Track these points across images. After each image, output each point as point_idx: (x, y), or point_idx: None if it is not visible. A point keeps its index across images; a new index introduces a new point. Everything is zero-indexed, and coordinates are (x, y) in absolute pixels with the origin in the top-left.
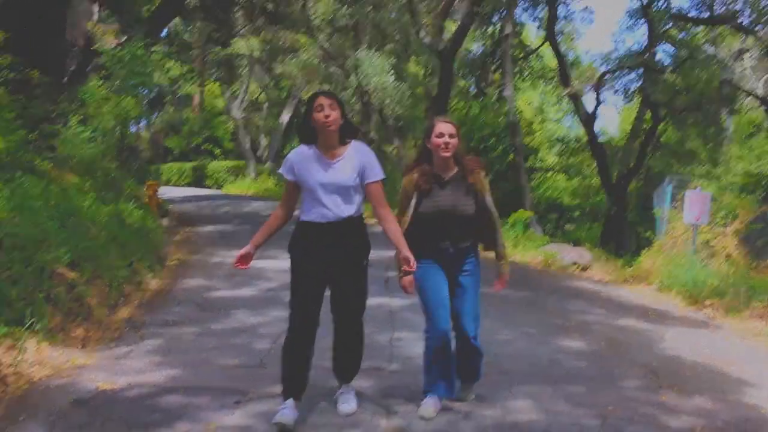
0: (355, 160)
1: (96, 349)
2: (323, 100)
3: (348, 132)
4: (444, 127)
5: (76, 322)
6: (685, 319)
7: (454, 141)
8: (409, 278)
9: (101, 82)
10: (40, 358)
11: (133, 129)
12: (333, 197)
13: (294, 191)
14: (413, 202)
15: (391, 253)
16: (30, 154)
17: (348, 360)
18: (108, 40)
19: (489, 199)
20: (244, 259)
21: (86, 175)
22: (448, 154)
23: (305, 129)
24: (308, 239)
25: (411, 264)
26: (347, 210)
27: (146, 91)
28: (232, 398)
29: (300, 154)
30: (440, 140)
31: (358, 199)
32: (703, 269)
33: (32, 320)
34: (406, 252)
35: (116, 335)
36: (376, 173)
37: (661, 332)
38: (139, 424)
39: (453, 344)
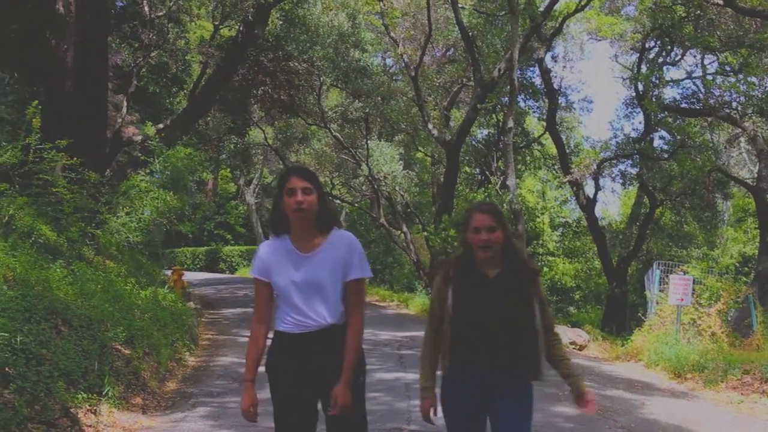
0: (336, 253)
1: (155, 415)
2: (296, 182)
3: (325, 219)
4: (480, 220)
5: (134, 392)
6: (666, 390)
7: (495, 235)
8: (429, 402)
9: (145, 177)
10: (112, 421)
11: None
12: (310, 300)
13: (267, 294)
14: (449, 303)
15: (401, 333)
16: (79, 243)
17: None
18: (132, 131)
19: (544, 309)
20: (254, 408)
21: (120, 261)
22: (487, 255)
23: (275, 216)
24: (286, 356)
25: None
26: (328, 316)
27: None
28: None
29: (270, 247)
30: (477, 237)
31: (342, 302)
32: (686, 346)
33: (108, 389)
34: (346, 377)
35: (170, 404)
36: (360, 270)
37: (643, 401)
38: None
39: None
